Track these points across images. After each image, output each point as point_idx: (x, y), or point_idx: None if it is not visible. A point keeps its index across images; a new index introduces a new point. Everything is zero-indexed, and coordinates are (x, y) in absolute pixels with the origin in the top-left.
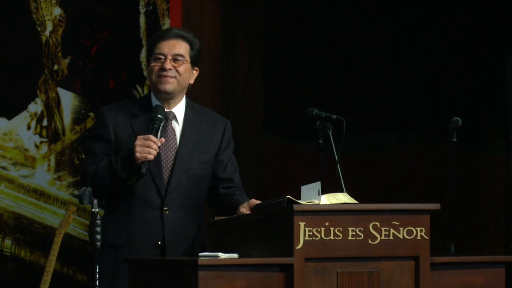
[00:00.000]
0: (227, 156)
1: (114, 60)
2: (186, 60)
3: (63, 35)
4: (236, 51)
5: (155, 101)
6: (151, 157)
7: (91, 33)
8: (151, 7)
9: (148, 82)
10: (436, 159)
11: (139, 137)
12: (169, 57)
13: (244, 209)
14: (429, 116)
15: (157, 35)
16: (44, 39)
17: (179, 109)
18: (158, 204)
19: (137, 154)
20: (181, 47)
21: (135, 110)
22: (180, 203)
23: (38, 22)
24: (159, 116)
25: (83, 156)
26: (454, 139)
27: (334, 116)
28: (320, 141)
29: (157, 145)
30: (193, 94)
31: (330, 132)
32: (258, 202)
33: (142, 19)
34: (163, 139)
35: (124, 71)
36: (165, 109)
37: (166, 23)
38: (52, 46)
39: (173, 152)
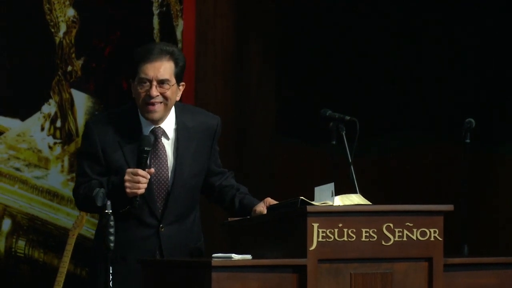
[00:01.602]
0: (216, 149)
1: (127, 61)
2: (172, 84)
3: (76, 36)
4: (249, 52)
5: (142, 118)
6: (141, 191)
7: (104, 34)
8: (164, 8)
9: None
10: (449, 160)
11: (128, 171)
12: (154, 82)
13: (261, 208)
14: (442, 117)
15: (140, 53)
16: (57, 40)
17: (168, 123)
18: (154, 224)
19: (127, 190)
20: (166, 70)
21: (122, 125)
22: (175, 218)
23: (52, 23)
24: (146, 149)
25: (76, 171)
26: (468, 140)
27: (348, 117)
28: (334, 142)
29: (146, 179)
30: (205, 95)
31: (343, 133)
32: (274, 202)
33: (155, 20)
34: (152, 170)
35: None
36: (153, 126)
37: (180, 24)
38: (66, 47)
39: (166, 171)
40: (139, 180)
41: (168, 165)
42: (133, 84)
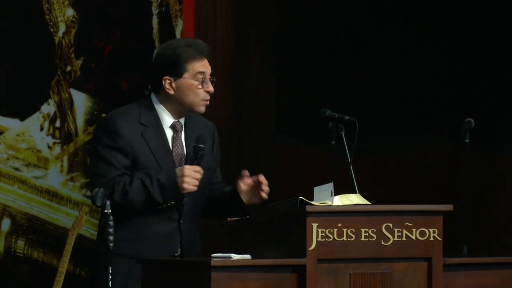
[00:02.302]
0: (216, 161)
1: (127, 61)
2: None
3: (76, 36)
4: (249, 52)
5: (160, 109)
6: (195, 188)
7: (104, 34)
8: (163, 8)
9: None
10: (449, 160)
11: (188, 168)
12: (207, 76)
13: (243, 183)
14: (442, 117)
15: (198, 49)
16: (57, 40)
17: (183, 118)
18: (176, 218)
19: (185, 185)
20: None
21: (143, 119)
22: (191, 214)
23: (51, 23)
24: (201, 146)
25: (96, 166)
26: (467, 140)
27: (347, 117)
28: (333, 142)
29: (201, 175)
30: None
31: (342, 133)
32: (247, 173)
33: (154, 20)
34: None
35: (136, 72)
36: (173, 119)
37: (179, 24)
38: (65, 47)
39: (183, 164)
40: (198, 177)
41: (184, 157)
42: (182, 79)
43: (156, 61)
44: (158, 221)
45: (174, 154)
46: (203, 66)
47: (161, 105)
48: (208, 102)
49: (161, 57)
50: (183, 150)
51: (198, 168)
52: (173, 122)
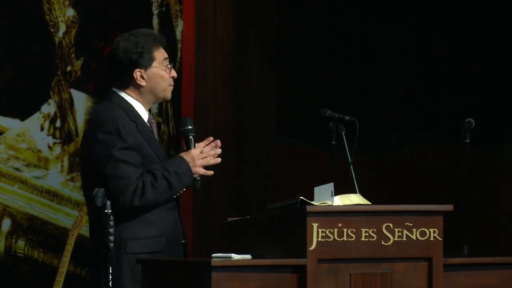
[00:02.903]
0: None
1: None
2: None
3: (76, 36)
4: (249, 52)
5: (135, 104)
6: (211, 172)
7: (104, 34)
8: (164, 8)
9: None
10: (449, 160)
11: (194, 152)
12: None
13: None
14: (442, 117)
15: (156, 37)
16: (57, 40)
17: None
18: (175, 205)
19: (199, 169)
20: None
21: (130, 116)
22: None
23: (51, 23)
24: (191, 127)
25: (116, 169)
26: (467, 140)
27: (347, 117)
28: (333, 142)
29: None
30: (205, 94)
31: (343, 133)
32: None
33: (155, 20)
34: (211, 138)
35: None
36: (146, 111)
37: (179, 24)
38: (65, 47)
39: (163, 151)
40: (209, 155)
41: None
42: (151, 68)
43: (122, 57)
44: (165, 212)
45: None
46: (165, 53)
47: (134, 99)
48: (172, 87)
49: (126, 51)
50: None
51: (200, 148)
52: (148, 115)
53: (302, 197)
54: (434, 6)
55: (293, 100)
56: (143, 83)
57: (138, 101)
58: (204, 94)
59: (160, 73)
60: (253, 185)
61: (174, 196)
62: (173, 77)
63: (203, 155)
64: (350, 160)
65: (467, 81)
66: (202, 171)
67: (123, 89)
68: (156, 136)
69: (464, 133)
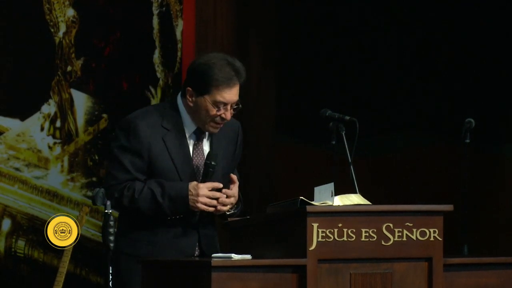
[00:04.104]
0: (237, 161)
1: (127, 62)
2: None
3: (76, 36)
4: (249, 52)
5: (185, 115)
6: (211, 209)
7: (104, 34)
8: (164, 9)
9: (161, 85)
10: (449, 160)
11: (203, 187)
12: (229, 105)
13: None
14: (442, 117)
15: (222, 76)
16: (57, 40)
17: None
18: (194, 222)
19: (199, 205)
20: (238, 92)
21: (165, 123)
22: (210, 218)
23: (52, 23)
24: (213, 163)
25: (111, 166)
26: (467, 140)
27: (347, 117)
28: (333, 142)
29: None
30: None
31: (343, 133)
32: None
33: (155, 21)
34: (221, 184)
35: (137, 72)
36: (196, 126)
37: (180, 24)
38: (65, 47)
39: (191, 166)
40: (213, 196)
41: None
42: (202, 98)
43: (190, 69)
44: (176, 224)
45: (194, 162)
46: (228, 96)
47: (185, 110)
48: (220, 126)
49: (195, 67)
50: (203, 160)
51: (210, 185)
52: (195, 130)
53: (302, 197)
54: (434, 6)
55: (293, 100)
56: (190, 103)
57: (188, 113)
58: None
59: (206, 107)
60: (253, 185)
61: (173, 218)
62: (223, 118)
63: (210, 195)
64: (350, 160)
65: (467, 81)
66: (202, 207)
67: (183, 96)
68: (202, 149)
69: (464, 133)
